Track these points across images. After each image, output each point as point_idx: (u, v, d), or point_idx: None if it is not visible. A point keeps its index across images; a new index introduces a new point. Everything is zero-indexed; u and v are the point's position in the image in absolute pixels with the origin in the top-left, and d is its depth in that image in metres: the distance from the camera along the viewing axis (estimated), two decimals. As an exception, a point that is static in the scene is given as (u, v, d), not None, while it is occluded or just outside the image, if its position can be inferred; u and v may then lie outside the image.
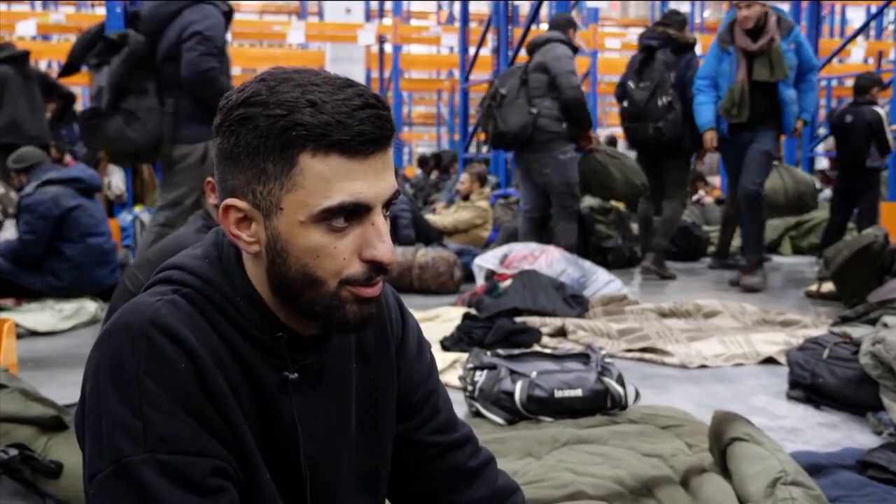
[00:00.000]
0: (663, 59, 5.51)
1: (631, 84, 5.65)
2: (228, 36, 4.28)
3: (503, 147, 5.62)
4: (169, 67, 3.74)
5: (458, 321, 3.77)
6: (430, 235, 6.03)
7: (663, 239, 5.76)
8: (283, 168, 0.86)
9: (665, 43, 5.57)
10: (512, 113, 5.15)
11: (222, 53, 3.77)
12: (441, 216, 6.68)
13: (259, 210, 0.89)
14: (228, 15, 3.92)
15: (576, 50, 5.40)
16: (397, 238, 5.51)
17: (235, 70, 13.93)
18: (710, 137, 5.28)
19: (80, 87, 15.79)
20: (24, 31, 9.59)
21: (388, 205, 0.91)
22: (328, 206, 0.86)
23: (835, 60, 9.04)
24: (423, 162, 12.50)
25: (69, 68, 5.88)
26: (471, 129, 9.29)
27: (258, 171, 0.87)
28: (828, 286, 4.79)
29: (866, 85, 5.83)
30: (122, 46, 3.77)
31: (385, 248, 0.89)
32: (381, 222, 0.89)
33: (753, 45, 4.98)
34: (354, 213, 0.88)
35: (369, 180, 0.87)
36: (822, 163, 7.62)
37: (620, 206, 6.67)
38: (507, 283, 4.41)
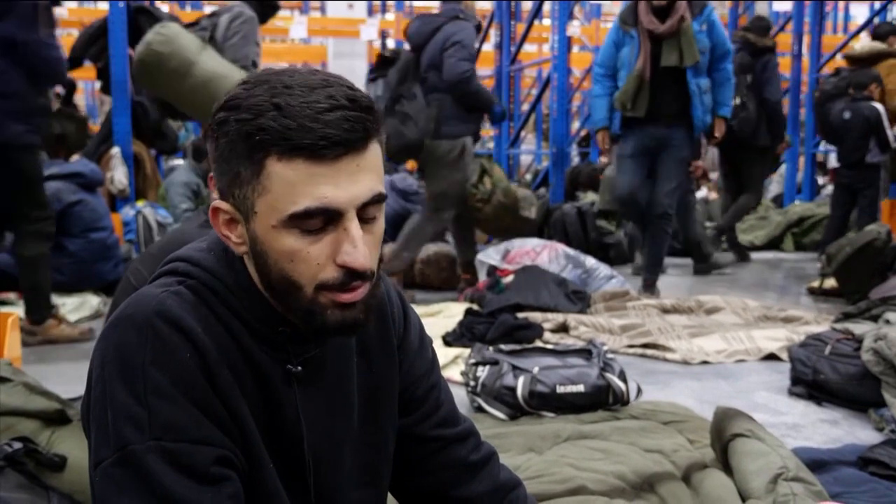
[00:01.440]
0: (739, 61, 5.57)
1: None
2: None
3: None
4: (432, 75, 4.46)
5: (460, 317, 3.78)
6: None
7: (729, 223, 6.09)
8: (252, 172, 0.86)
9: (742, 46, 5.81)
10: None
11: (475, 60, 4.56)
12: None
13: (240, 212, 0.89)
14: (478, 27, 4.71)
15: None
16: None
17: (238, 65, 13.95)
18: (601, 138, 4.70)
19: (83, 82, 15.77)
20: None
21: (369, 208, 0.88)
22: (295, 211, 0.85)
23: (838, 57, 9.01)
24: None
25: (72, 63, 5.89)
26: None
27: (234, 176, 0.87)
28: (830, 282, 4.78)
29: (864, 81, 5.81)
30: (395, 61, 4.57)
31: (357, 254, 0.87)
32: (354, 227, 0.87)
33: (661, 26, 4.31)
34: (327, 217, 0.86)
35: (338, 184, 0.85)
36: (831, 160, 7.61)
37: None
38: (510, 278, 4.42)
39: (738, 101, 5.57)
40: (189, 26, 4.48)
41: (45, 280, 3.63)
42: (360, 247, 0.88)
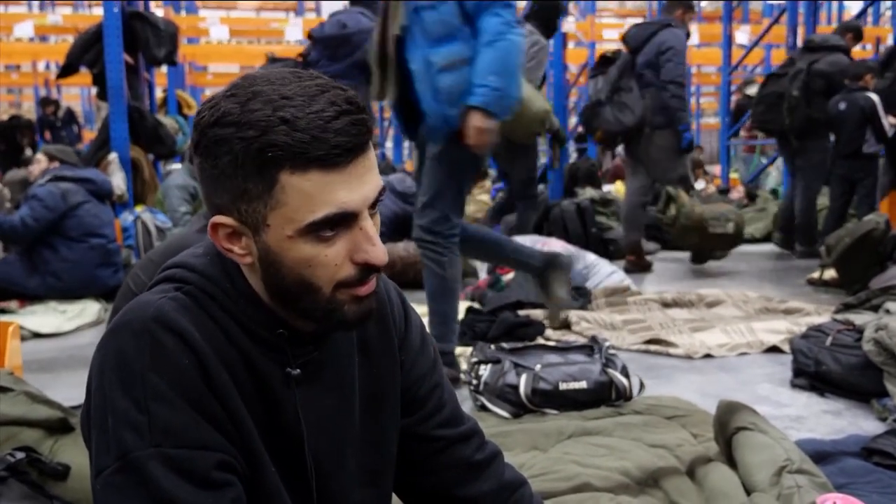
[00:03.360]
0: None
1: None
2: (226, 34, 4.49)
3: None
4: (648, 73, 5.27)
5: (461, 315, 3.77)
6: None
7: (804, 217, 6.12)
8: (263, 188, 0.86)
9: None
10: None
11: (685, 63, 5.37)
12: None
13: (247, 226, 0.89)
14: (688, 35, 5.48)
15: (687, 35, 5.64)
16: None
17: (233, 68, 13.94)
18: None
19: (79, 88, 15.77)
20: (22, 32, 9.57)
21: (374, 204, 0.90)
22: (314, 219, 0.86)
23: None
24: None
25: (67, 69, 5.89)
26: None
27: (240, 192, 0.87)
28: (830, 273, 4.78)
29: (859, 72, 5.81)
30: (615, 60, 5.50)
31: (376, 251, 0.89)
32: (368, 225, 0.89)
33: None
34: (342, 220, 0.87)
35: (352, 187, 0.87)
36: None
37: (622, 196, 6.65)
38: (510, 276, 4.42)
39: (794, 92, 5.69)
40: None
41: None
42: (378, 243, 0.90)
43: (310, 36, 4.85)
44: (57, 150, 4.86)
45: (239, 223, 0.90)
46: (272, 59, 4.98)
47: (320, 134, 0.84)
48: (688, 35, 5.49)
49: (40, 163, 4.83)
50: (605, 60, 5.66)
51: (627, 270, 5.27)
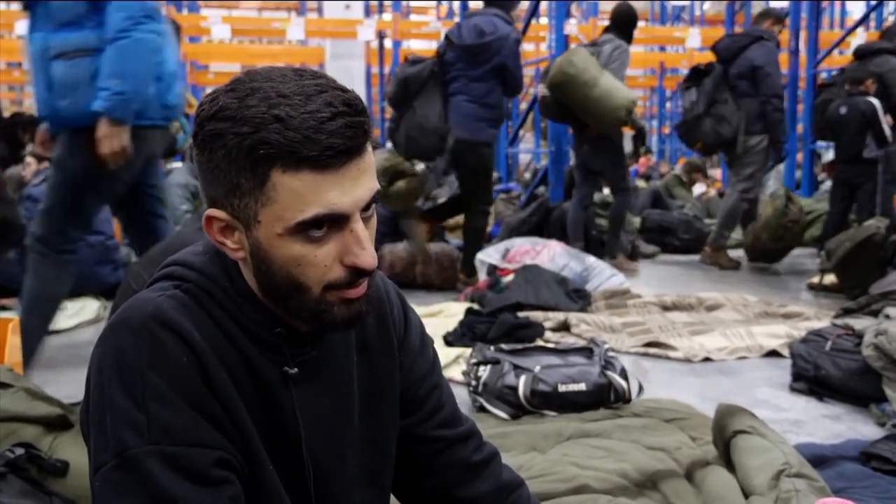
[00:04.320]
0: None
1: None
2: (228, 33, 4.51)
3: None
4: (742, 84, 5.59)
5: (460, 316, 3.77)
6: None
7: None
8: (255, 184, 0.86)
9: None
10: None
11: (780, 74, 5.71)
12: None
13: (239, 221, 0.90)
14: (778, 44, 5.81)
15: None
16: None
17: (235, 67, 13.94)
18: None
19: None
20: (24, 30, 9.58)
21: (368, 206, 0.90)
22: (303, 219, 0.86)
23: (835, 52, 9.01)
24: None
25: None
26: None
27: (233, 186, 0.87)
28: (830, 278, 4.78)
29: (861, 77, 5.82)
30: (707, 73, 5.75)
31: (365, 255, 0.89)
32: (359, 228, 0.89)
33: None
34: (332, 222, 0.87)
35: (344, 189, 0.86)
36: (829, 155, 7.64)
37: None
38: (510, 277, 4.42)
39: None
40: None
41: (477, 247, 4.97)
42: (368, 247, 0.89)
43: (447, 37, 4.91)
44: (46, 150, 4.85)
45: (232, 217, 0.90)
46: (412, 62, 4.97)
47: (313, 134, 0.83)
48: (777, 45, 5.80)
49: (30, 165, 4.81)
50: (697, 72, 5.93)
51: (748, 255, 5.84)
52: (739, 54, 5.61)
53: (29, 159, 4.83)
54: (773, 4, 11.31)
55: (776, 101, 5.50)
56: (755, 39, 5.62)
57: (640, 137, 6.17)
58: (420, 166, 4.98)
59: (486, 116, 4.75)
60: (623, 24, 5.62)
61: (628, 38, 5.60)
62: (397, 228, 5.33)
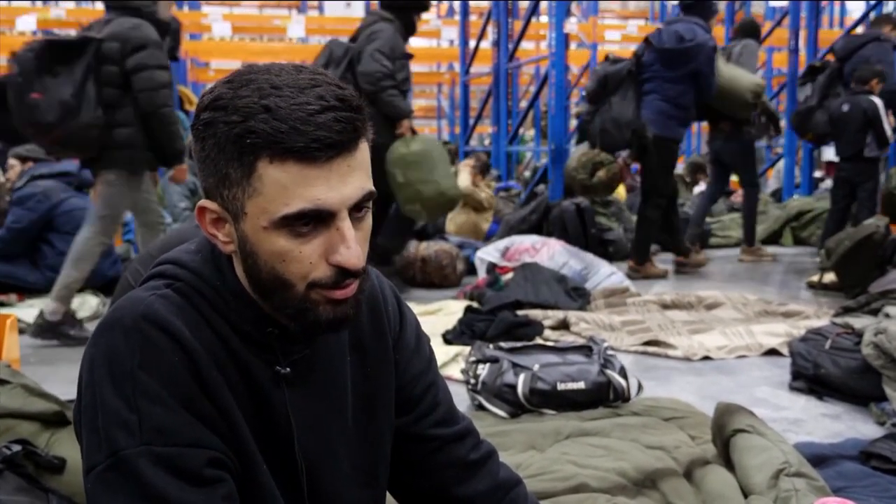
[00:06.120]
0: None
1: None
2: (228, 30, 4.52)
3: None
4: (854, 80, 5.87)
5: (459, 314, 3.77)
6: (428, 229, 6.01)
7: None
8: (242, 174, 0.85)
9: None
10: None
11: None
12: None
13: (228, 212, 0.89)
14: (894, 47, 6.23)
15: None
16: (423, 230, 5.64)
17: (235, 64, 13.91)
18: None
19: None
20: (25, 26, 9.57)
21: (360, 206, 0.88)
22: (287, 212, 0.84)
23: (836, 51, 8.99)
24: None
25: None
26: (471, 121, 9.27)
27: (222, 176, 0.87)
28: (829, 277, 4.78)
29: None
30: (822, 69, 6.21)
31: (350, 254, 0.87)
32: (346, 227, 0.87)
33: None
34: (318, 218, 0.86)
35: (331, 185, 0.85)
36: (829, 153, 7.66)
37: (621, 198, 6.64)
38: (509, 275, 4.41)
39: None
40: None
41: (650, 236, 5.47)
42: (354, 247, 0.87)
43: (646, 40, 5.31)
44: (26, 150, 4.79)
45: (222, 209, 0.89)
46: (613, 61, 5.41)
47: (300, 126, 0.82)
48: (894, 48, 6.19)
49: (14, 167, 4.80)
50: (813, 69, 6.36)
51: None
52: (855, 52, 6.01)
53: (12, 161, 4.80)
54: (772, 3, 11.31)
55: (889, 96, 5.74)
56: (872, 39, 6.07)
57: (771, 120, 6.30)
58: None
59: (677, 115, 5.23)
60: (749, 31, 6.30)
61: (756, 40, 6.29)
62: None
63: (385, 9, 4.66)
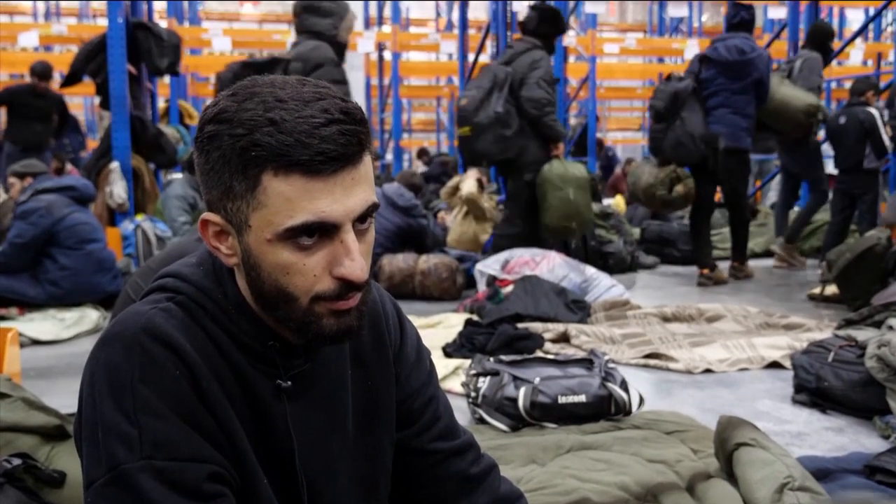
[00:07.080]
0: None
1: None
2: (229, 45, 4.71)
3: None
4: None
5: (459, 327, 3.76)
6: (427, 242, 6.01)
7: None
8: (247, 187, 0.85)
9: None
10: None
11: None
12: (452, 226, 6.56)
13: (232, 225, 0.89)
14: None
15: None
16: (426, 244, 5.65)
17: (236, 79, 13.96)
18: None
19: (82, 98, 15.80)
20: (27, 42, 9.62)
21: (364, 218, 0.89)
22: (292, 225, 0.85)
23: (834, 63, 9.02)
24: (421, 153, 12.63)
25: (71, 78, 5.91)
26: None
27: (226, 189, 0.87)
28: (831, 289, 4.77)
29: (862, 88, 5.84)
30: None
31: (354, 267, 0.87)
32: (350, 239, 0.87)
33: None
34: (322, 230, 0.86)
35: (335, 198, 0.85)
36: (828, 167, 7.66)
37: (621, 210, 6.63)
38: (509, 288, 4.41)
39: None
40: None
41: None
42: (358, 259, 0.88)
43: (703, 57, 5.54)
44: (22, 166, 4.82)
45: (225, 221, 0.89)
46: (678, 78, 5.61)
47: (305, 139, 0.83)
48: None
49: (14, 186, 4.82)
50: None
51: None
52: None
53: (12, 179, 4.83)
54: (771, 14, 11.36)
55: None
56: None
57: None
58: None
59: (745, 126, 5.44)
60: (818, 40, 6.34)
61: (825, 51, 6.32)
62: (399, 240, 5.32)
63: (532, 34, 5.11)
